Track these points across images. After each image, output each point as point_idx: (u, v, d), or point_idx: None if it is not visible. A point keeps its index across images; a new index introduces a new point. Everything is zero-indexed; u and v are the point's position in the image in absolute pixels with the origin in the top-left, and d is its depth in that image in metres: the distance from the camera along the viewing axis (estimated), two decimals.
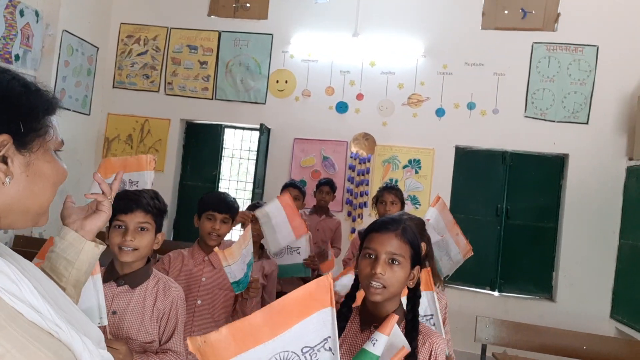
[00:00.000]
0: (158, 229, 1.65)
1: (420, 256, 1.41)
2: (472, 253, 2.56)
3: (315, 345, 1.11)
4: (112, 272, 1.63)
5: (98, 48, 5.27)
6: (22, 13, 4.28)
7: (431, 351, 1.35)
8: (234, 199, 2.33)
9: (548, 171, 4.93)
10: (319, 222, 3.93)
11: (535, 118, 4.88)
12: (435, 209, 2.64)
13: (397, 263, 1.34)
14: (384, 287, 1.33)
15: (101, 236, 1.32)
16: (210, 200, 2.24)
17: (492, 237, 4.94)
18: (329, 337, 1.11)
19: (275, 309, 1.06)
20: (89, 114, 5.24)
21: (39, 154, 0.75)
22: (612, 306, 4.59)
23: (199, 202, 2.26)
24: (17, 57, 4.28)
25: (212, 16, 5.39)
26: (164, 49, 5.43)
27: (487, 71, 4.95)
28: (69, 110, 4.89)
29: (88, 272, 1.06)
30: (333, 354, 1.14)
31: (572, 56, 4.86)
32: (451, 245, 2.60)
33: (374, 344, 1.21)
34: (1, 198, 0.71)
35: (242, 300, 2.15)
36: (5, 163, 0.70)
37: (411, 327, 1.36)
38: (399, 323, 1.37)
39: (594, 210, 4.70)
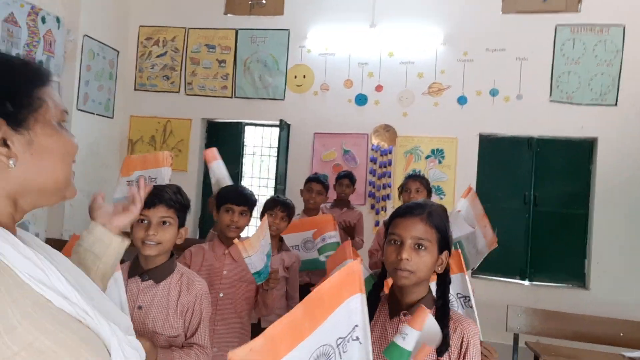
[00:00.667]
0: (181, 224, 1.65)
1: (448, 241, 1.38)
2: (497, 245, 2.50)
3: (346, 336, 1.07)
4: (136, 268, 1.65)
5: (118, 51, 5.35)
6: (44, 20, 4.37)
7: (462, 338, 1.32)
8: (251, 191, 2.34)
9: (576, 156, 4.79)
10: (340, 215, 3.90)
11: (561, 102, 4.74)
12: (466, 200, 2.58)
13: (423, 248, 1.31)
14: (411, 272, 1.30)
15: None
16: (228, 194, 2.25)
17: (521, 226, 4.83)
18: (357, 325, 1.08)
19: (313, 300, 1.03)
20: (112, 117, 5.32)
21: (37, 129, 0.72)
22: None
23: (217, 196, 2.28)
24: (40, 64, 4.37)
25: (228, 14, 5.41)
26: (183, 49, 5.48)
27: (509, 56, 4.84)
28: (93, 114, 4.97)
29: (114, 265, 1.06)
30: (361, 343, 1.10)
31: (598, 37, 4.70)
32: (479, 238, 2.55)
33: (404, 338, 1.17)
34: (12, 181, 0.70)
35: (262, 292, 2.15)
36: (7, 146, 0.69)
37: (442, 314, 1.32)
38: (429, 309, 1.34)
39: (626, 195, 4.55)
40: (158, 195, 1.58)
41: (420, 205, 1.38)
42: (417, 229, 1.32)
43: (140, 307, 1.61)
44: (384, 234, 3.12)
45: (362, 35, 5.08)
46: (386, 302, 1.42)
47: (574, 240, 4.75)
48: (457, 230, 2.31)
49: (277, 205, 2.68)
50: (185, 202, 1.67)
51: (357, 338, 1.08)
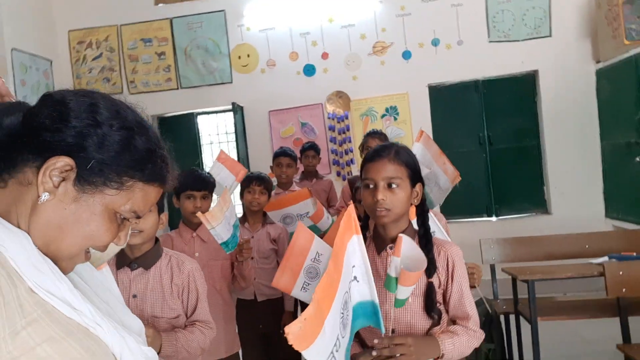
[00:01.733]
0: (160, 210, 1.66)
1: (420, 174, 1.45)
2: (460, 178, 2.61)
3: (350, 278, 1.13)
4: (123, 258, 1.64)
5: (51, 61, 5.12)
6: None
7: (447, 259, 1.41)
8: (208, 173, 2.35)
9: (521, 91, 4.99)
10: (311, 186, 3.94)
11: (500, 41, 4.91)
12: (420, 144, 2.66)
13: (395, 186, 1.38)
14: (388, 209, 1.37)
15: None
16: (186, 181, 2.22)
17: (480, 166, 5.03)
18: (354, 265, 1.13)
19: (334, 252, 1.07)
20: None
21: (91, 199, 0.69)
22: (605, 206, 4.75)
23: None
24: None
25: (159, 4, 5.25)
26: (118, 48, 5.30)
27: (445, 4, 4.94)
28: None
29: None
30: (358, 282, 1.16)
31: None
32: (440, 176, 2.64)
33: (391, 267, 1.26)
34: (34, 215, 0.67)
35: (238, 264, 2.20)
36: (57, 185, 0.67)
37: (425, 241, 1.41)
38: (412, 239, 1.42)
39: (572, 119, 4.80)
40: None
41: (386, 147, 1.45)
42: (387, 170, 1.38)
43: (135, 296, 1.62)
44: (349, 192, 3.20)
45: (300, 4, 5.06)
46: (372, 240, 1.50)
47: (531, 171, 4.99)
48: None
49: (253, 181, 2.70)
50: None
51: (355, 278, 1.14)
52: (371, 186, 1.40)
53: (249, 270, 2.25)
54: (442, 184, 2.65)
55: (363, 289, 1.19)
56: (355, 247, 1.15)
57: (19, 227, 0.67)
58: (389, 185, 1.38)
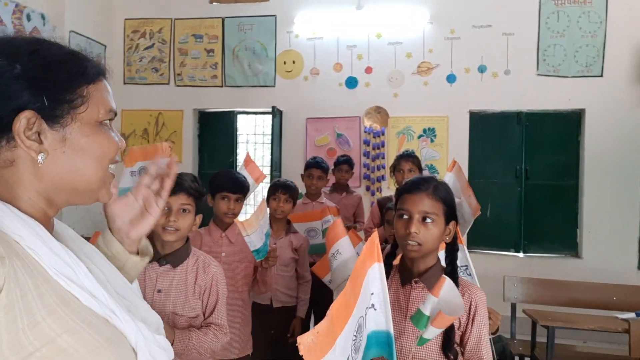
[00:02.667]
0: (197, 211, 1.72)
1: (455, 212, 1.45)
2: (480, 212, 2.59)
3: (367, 305, 1.13)
4: (154, 253, 1.70)
5: (105, 46, 5.32)
6: (29, 17, 4.33)
7: (471, 302, 1.40)
8: (244, 177, 2.40)
9: (565, 128, 4.87)
10: (340, 199, 3.96)
11: (548, 75, 4.81)
12: (452, 174, 2.65)
13: (430, 221, 1.38)
14: (420, 244, 1.37)
15: None
16: (223, 182, 2.30)
17: (513, 199, 4.92)
18: (373, 293, 1.13)
19: (353, 275, 1.07)
20: None
21: (74, 127, 0.70)
22: (639, 258, 4.57)
23: (211, 183, 2.33)
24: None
25: (214, 3, 5.38)
26: (170, 40, 5.45)
27: (496, 32, 4.88)
28: None
29: (133, 279, 0.96)
30: (375, 310, 1.15)
31: (581, 8, 4.75)
32: (465, 207, 2.63)
33: (425, 304, 1.24)
34: (43, 177, 0.69)
35: (262, 270, 2.24)
36: (40, 140, 0.67)
37: (451, 278, 1.40)
38: (438, 278, 1.41)
39: (614, 164, 4.65)
40: (179, 183, 1.64)
41: (426, 180, 1.45)
42: (424, 204, 1.39)
43: (159, 291, 1.68)
44: (377, 213, 3.20)
45: (349, 17, 5.09)
46: (397, 271, 1.50)
47: (565, 211, 4.85)
48: None
49: (279, 189, 2.74)
50: (202, 190, 1.74)
51: (372, 305, 1.14)
52: (405, 217, 1.41)
53: (271, 277, 2.29)
54: (466, 216, 2.63)
55: (379, 318, 1.18)
56: (375, 275, 1.15)
57: (32, 208, 0.69)
58: (424, 219, 1.38)
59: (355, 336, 1.08)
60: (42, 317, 0.60)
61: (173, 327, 1.64)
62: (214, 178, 2.35)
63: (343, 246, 1.92)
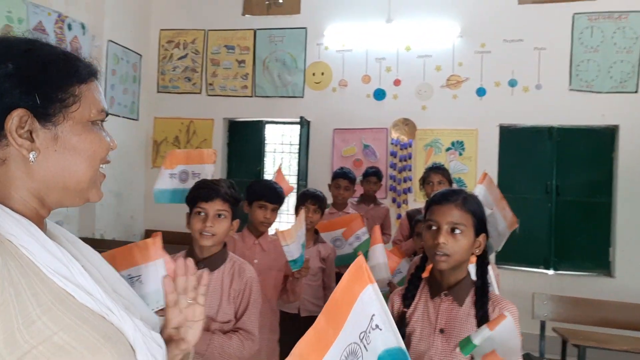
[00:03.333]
0: (233, 217, 1.75)
1: (485, 224, 1.44)
2: (517, 225, 2.55)
3: (366, 328, 1.09)
4: (192, 256, 1.73)
5: (141, 55, 5.48)
6: (70, 27, 4.51)
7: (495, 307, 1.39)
8: (281, 188, 2.42)
9: (598, 144, 4.77)
10: (367, 211, 3.96)
11: (581, 90, 4.74)
12: (482, 186, 2.62)
13: (459, 232, 1.38)
14: (448, 255, 1.37)
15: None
16: (261, 190, 2.33)
17: (544, 216, 4.83)
18: (374, 314, 1.10)
19: (331, 306, 1.03)
20: (137, 119, 5.46)
21: (66, 126, 0.70)
22: None
23: (249, 190, 2.36)
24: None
25: (246, 15, 5.50)
26: (203, 51, 5.59)
27: (527, 46, 4.84)
28: (119, 116, 5.11)
29: None
30: (381, 330, 1.14)
31: (616, 24, 4.68)
32: (499, 220, 2.59)
33: (476, 332, 1.23)
34: (35, 176, 0.69)
35: (293, 280, 2.24)
36: (31, 139, 0.67)
37: (481, 294, 1.39)
38: (467, 291, 1.40)
39: None
40: (215, 190, 1.68)
41: (455, 192, 1.45)
42: (452, 215, 1.39)
43: None
44: (407, 225, 3.19)
45: (379, 30, 5.13)
46: (426, 283, 1.49)
47: (597, 229, 4.74)
48: None
49: (308, 199, 2.76)
50: (238, 196, 1.77)
51: (377, 326, 1.11)
52: (434, 228, 1.41)
53: (301, 287, 2.30)
54: (500, 229, 2.60)
55: (387, 337, 1.15)
56: (371, 297, 1.09)
57: (25, 207, 0.69)
58: (452, 230, 1.38)
59: None
60: (37, 315, 0.60)
61: (207, 331, 1.67)
62: (252, 185, 2.39)
63: (376, 252, 2.03)
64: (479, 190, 2.61)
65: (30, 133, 0.67)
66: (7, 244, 0.62)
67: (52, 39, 4.25)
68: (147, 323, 0.76)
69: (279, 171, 3.18)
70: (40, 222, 0.71)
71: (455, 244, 1.37)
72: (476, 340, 1.21)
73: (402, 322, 1.46)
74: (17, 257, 0.62)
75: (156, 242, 1.28)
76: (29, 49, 0.69)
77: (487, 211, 2.48)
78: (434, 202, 1.45)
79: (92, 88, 0.75)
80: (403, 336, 1.42)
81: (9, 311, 0.58)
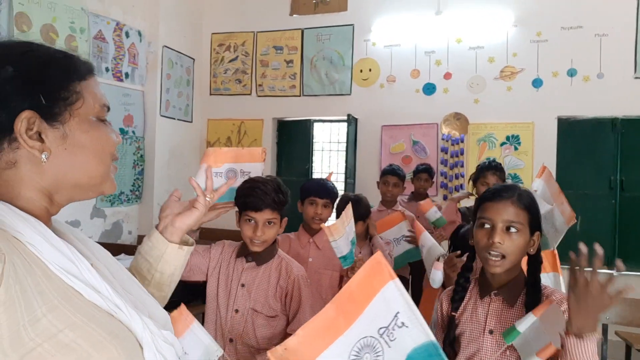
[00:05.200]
0: (282, 215, 1.80)
1: (540, 222, 1.36)
2: (575, 220, 2.40)
3: (389, 324, 1.08)
4: (244, 249, 1.83)
5: (194, 59, 5.68)
6: (127, 34, 4.75)
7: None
8: (332, 184, 2.45)
9: None
10: (418, 208, 3.89)
11: None
12: (541, 180, 2.51)
13: (515, 230, 1.30)
14: (503, 256, 1.30)
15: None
16: (311, 187, 2.39)
17: (607, 212, 4.54)
18: (399, 312, 1.08)
19: (344, 297, 1.04)
20: (191, 121, 5.67)
21: (73, 124, 0.71)
22: None
23: (301, 189, 2.42)
24: (126, 75, 4.76)
25: (294, 15, 5.56)
26: (252, 53, 5.71)
27: (587, 34, 4.56)
28: (174, 119, 5.32)
29: (175, 274, 1.00)
30: (407, 327, 1.11)
31: None
32: (556, 215, 2.46)
33: (521, 319, 1.21)
34: (46, 175, 0.70)
35: (346, 279, 2.23)
36: (41, 139, 0.68)
37: (532, 292, 1.33)
38: (519, 291, 1.35)
39: None
40: (262, 199, 1.71)
41: (509, 187, 1.37)
42: (508, 212, 1.31)
43: (243, 285, 1.78)
44: (454, 209, 3.12)
45: (428, 23, 5.02)
46: (476, 283, 1.45)
47: None
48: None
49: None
50: (286, 198, 1.79)
51: (403, 324, 1.08)
52: (487, 226, 1.33)
53: None
54: (558, 225, 2.47)
55: (416, 333, 1.12)
56: (394, 293, 1.07)
57: (33, 206, 0.69)
58: (507, 229, 1.31)
59: (358, 356, 1.05)
60: (43, 313, 0.60)
61: (252, 322, 1.74)
62: (304, 185, 2.45)
63: (425, 238, 2.18)
64: (537, 185, 2.50)
65: (39, 134, 0.68)
66: (14, 241, 0.62)
67: (111, 47, 4.50)
68: (157, 321, 0.76)
69: (329, 176, 3.17)
70: (48, 220, 0.72)
71: (511, 243, 1.30)
72: (520, 327, 1.18)
73: (451, 325, 1.43)
74: (24, 255, 0.62)
75: (182, 312, 1.29)
76: (26, 51, 0.70)
77: (547, 207, 2.37)
78: (486, 199, 1.37)
79: (92, 84, 0.76)
80: (453, 340, 1.39)
81: (15, 308, 0.57)
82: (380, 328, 1.07)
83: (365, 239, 2.81)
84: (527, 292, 1.33)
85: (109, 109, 0.78)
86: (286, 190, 1.80)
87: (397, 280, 1.07)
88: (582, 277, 1.12)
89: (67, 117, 0.71)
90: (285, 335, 1.75)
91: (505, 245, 1.29)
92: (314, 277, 2.28)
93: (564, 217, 2.42)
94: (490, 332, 1.36)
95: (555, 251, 1.74)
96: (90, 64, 0.77)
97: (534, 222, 1.34)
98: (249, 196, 1.69)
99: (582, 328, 1.11)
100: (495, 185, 1.44)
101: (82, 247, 0.76)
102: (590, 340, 1.11)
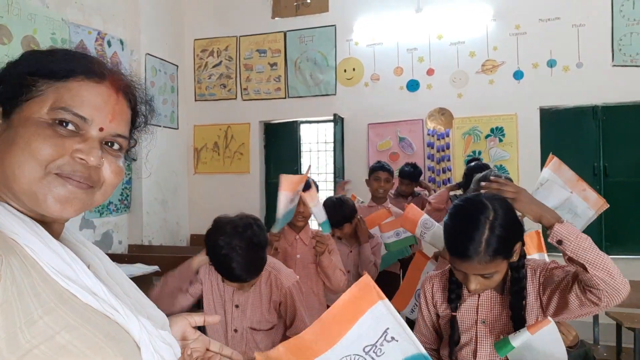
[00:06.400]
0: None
1: (519, 234, 1.33)
2: (607, 205, 2.44)
3: (377, 341, 1.10)
4: None
5: (177, 66, 5.67)
6: (109, 43, 4.73)
7: (539, 279, 1.39)
8: (312, 180, 2.49)
9: None
10: (406, 204, 3.93)
11: (626, 65, 4.51)
12: (548, 169, 2.52)
13: (489, 276, 1.30)
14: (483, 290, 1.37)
15: None
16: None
17: None
18: (388, 328, 1.11)
19: (325, 323, 1.04)
20: (177, 128, 5.65)
21: (19, 120, 0.65)
22: None
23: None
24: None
25: (276, 18, 5.58)
26: (236, 57, 5.71)
27: (565, 24, 4.66)
28: (160, 126, 5.30)
29: None
30: (397, 341, 1.14)
31: None
32: (577, 202, 2.48)
33: (515, 334, 1.22)
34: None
35: (318, 260, 2.27)
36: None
37: (516, 275, 1.38)
38: (506, 276, 1.39)
39: None
40: (240, 276, 1.62)
41: (473, 239, 1.25)
42: (476, 269, 1.28)
43: (237, 306, 1.78)
44: (446, 197, 3.19)
45: (409, 21, 5.08)
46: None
47: None
48: (553, 199, 2.24)
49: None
50: (263, 254, 1.69)
51: (393, 338, 1.11)
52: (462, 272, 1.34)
53: (329, 267, 2.28)
54: (579, 211, 2.49)
55: (406, 346, 1.15)
56: (382, 312, 1.09)
57: (25, 207, 0.66)
58: (484, 276, 1.30)
59: None
60: (39, 315, 0.59)
61: (252, 340, 1.75)
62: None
63: (426, 221, 2.19)
64: (546, 174, 2.50)
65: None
66: (10, 242, 0.61)
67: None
68: (155, 322, 0.75)
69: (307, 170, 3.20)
70: (45, 223, 0.68)
71: (488, 283, 1.31)
72: (515, 342, 1.19)
73: (454, 326, 1.46)
74: (20, 256, 0.61)
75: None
76: (35, 50, 0.72)
77: (565, 194, 2.39)
78: (454, 255, 1.31)
79: (72, 87, 0.68)
80: (458, 340, 1.43)
81: (12, 310, 0.57)
82: (366, 346, 1.09)
83: (356, 241, 2.84)
84: (512, 277, 1.37)
85: (81, 117, 0.67)
86: (263, 241, 1.67)
87: (387, 300, 1.09)
88: (509, 191, 1.36)
89: (16, 112, 0.66)
90: (285, 339, 1.76)
91: (482, 286, 1.31)
92: (303, 272, 2.31)
93: (588, 203, 2.44)
94: (483, 322, 1.41)
95: (540, 231, 1.76)
96: (80, 66, 0.70)
97: (510, 247, 1.29)
98: (225, 272, 1.59)
99: (552, 217, 1.29)
100: (461, 235, 1.28)
101: (81, 249, 0.76)
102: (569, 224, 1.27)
